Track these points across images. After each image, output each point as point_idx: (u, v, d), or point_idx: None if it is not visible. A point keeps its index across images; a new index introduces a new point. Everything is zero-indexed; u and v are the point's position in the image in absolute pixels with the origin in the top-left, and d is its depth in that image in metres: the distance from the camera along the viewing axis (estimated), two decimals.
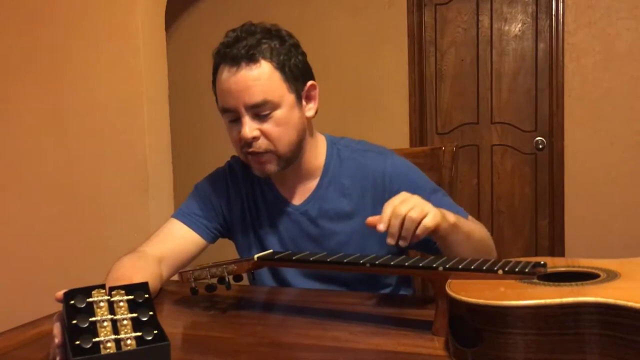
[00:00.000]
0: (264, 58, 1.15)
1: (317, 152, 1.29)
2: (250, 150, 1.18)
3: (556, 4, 3.24)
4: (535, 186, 3.44)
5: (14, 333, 1.04)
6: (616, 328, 0.71)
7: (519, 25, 3.40)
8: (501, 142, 3.49)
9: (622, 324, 0.70)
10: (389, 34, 3.53)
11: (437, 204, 1.19)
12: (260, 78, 1.15)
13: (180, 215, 1.33)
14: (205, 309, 1.13)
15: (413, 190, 1.22)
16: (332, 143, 1.32)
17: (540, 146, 3.39)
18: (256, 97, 1.15)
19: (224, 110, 1.19)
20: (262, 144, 1.17)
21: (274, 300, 1.25)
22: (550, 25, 3.29)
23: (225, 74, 1.17)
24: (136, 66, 2.55)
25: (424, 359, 0.85)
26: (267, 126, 1.17)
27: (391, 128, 3.53)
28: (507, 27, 3.42)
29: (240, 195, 1.34)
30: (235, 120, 1.18)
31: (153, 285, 1.18)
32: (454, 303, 0.80)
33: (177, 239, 1.29)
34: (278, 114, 1.17)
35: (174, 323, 1.09)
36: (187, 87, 3.90)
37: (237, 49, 1.15)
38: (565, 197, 3.29)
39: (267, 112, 1.16)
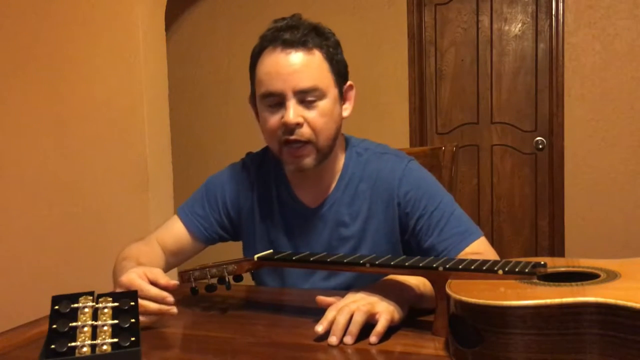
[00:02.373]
0: (316, 47, 1.15)
1: (338, 154, 1.27)
2: (293, 137, 1.14)
3: (556, 4, 3.24)
4: (535, 186, 3.44)
5: (14, 333, 1.04)
6: (616, 328, 0.71)
7: (519, 25, 3.40)
8: (501, 142, 3.49)
9: (622, 324, 0.70)
10: (389, 33, 3.53)
11: (441, 217, 1.19)
12: (312, 64, 1.14)
13: (182, 212, 1.33)
14: (205, 309, 1.13)
15: (421, 198, 1.20)
16: (351, 145, 1.29)
17: (540, 146, 3.39)
18: (306, 81, 1.13)
19: (267, 95, 1.15)
20: (304, 132, 1.14)
21: (274, 300, 1.25)
22: (550, 25, 3.29)
23: (276, 56, 1.14)
24: (136, 66, 2.55)
25: (424, 359, 0.85)
26: (312, 115, 1.14)
27: (391, 128, 3.53)
28: (507, 27, 3.42)
29: (250, 195, 1.31)
30: (277, 105, 1.15)
31: (160, 266, 1.25)
32: (454, 303, 0.80)
33: (176, 236, 1.32)
34: (323, 104, 1.15)
35: (174, 323, 1.09)
36: (187, 87, 3.90)
37: (292, 34, 1.14)
38: (565, 197, 3.29)
39: (314, 99, 1.14)
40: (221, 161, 1.42)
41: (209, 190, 1.34)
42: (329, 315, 0.92)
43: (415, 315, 1.00)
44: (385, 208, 1.24)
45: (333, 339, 0.90)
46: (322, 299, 0.97)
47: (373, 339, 0.90)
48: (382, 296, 0.95)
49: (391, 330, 0.93)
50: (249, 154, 1.38)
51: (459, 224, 1.19)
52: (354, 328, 0.90)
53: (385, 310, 0.92)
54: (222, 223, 1.34)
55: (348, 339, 0.90)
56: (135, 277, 1.01)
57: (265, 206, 1.30)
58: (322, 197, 1.26)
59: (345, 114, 1.23)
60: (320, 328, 0.91)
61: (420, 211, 1.20)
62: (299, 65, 1.13)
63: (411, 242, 1.24)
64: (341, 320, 0.90)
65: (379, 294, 0.96)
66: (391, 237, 1.25)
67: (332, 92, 1.17)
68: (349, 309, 0.91)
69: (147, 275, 1.02)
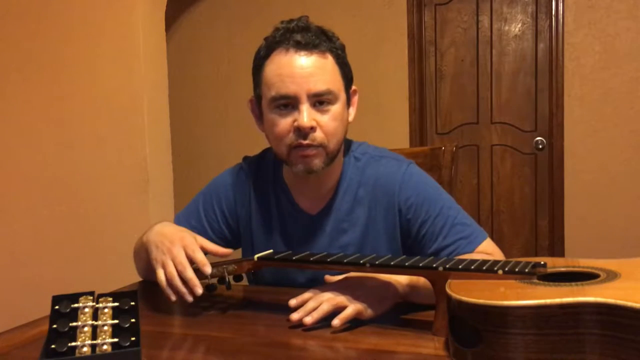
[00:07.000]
0: (328, 50, 1.14)
1: (338, 160, 1.22)
2: (306, 142, 1.11)
3: (556, 4, 3.24)
4: (535, 186, 3.44)
5: (14, 333, 1.04)
6: (616, 328, 0.71)
7: (519, 25, 3.40)
8: (501, 142, 3.49)
9: (622, 324, 0.70)
10: (389, 34, 3.53)
11: (444, 223, 1.17)
12: (326, 67, 1.13)
13: (178, 223, 1.30)
14: (205, 309, 1.13)
15: (422, 203, 1.19)
16: (350, 150, 1.27)
17: (540, 146, 3.39)
18: (320, 85, 1.11)
19: (280, 97, 1.12)
20: (317, 136, 1.12)
21: (274, 300, 1.24)
22: (550, 25, 3.29)
23: (289, 58, 1.11)
24: (136, 66, 2.55)
25: (424, 358, 0.85)
26: (324, 119, 1.12)
27: (391, 128, 3.53)
28: (507, 27, 3.42)
29: (247, 202, 1.29)
30: (288, 108, 1.12)
31: None
32: (454, 303, 0.80)
33: None
34: (335, 108, 1.14)
35: (175, 323, 1.09)
36: (187, 87, 3.90)
37: (306, 36, 1.12)
38: (565, 197, 3.29)
39: (327, 103, 1.12)
40: (221, 161, 1.42)
41: (206, 200, 1.32)
42: (305, 295, 1.00)
43: (415, 315, 1.00)
44: (385, 214, 1.22)
45: (294, 316, 0.97)
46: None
47: (335, 322, 0.94)
48: (362, 292, 0.99)
49: (391, 329, 0.94)
50: (245, 159, 1.35)
51: (463, 228, 1.18)
52: (317, 314, 0.96)
53: (354, 304, 0.96)
54: (222, 232, 1.32)
55: (307, 319, 0.96)
56: (188, 244, 1.05)
57: (264, 213, 1.28)
58: (322, 204, 1.25)
59: (350, 118, 1.22)
60: (293, 302, 0.99)
61: (423, 217, 1.19)
62: (314, 68, 1.11)
63: (414, 248, 1.22)
64: (309, 305, 0.98)
65: (360, 288, 0.99)
66: (392, 244, 1.23)
67: (342, 96, 1.16)
68: (320, 299, 0.98)
69: (197, 241, 1.07)
